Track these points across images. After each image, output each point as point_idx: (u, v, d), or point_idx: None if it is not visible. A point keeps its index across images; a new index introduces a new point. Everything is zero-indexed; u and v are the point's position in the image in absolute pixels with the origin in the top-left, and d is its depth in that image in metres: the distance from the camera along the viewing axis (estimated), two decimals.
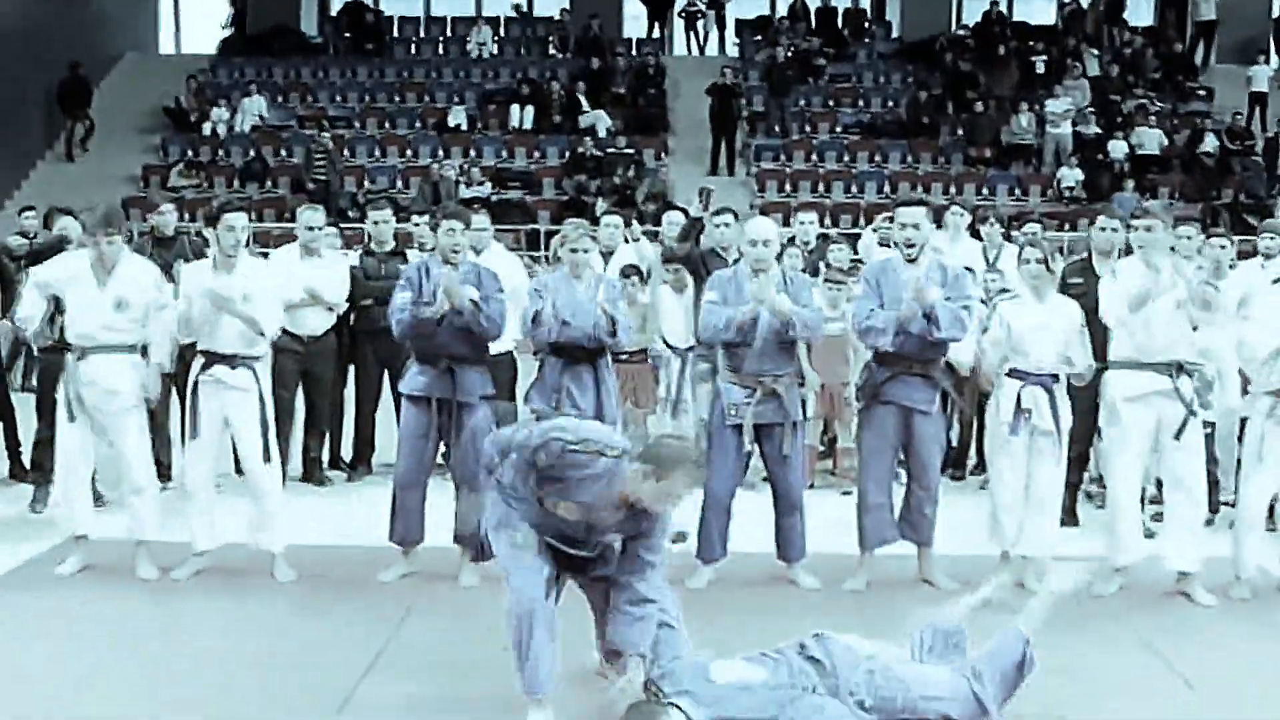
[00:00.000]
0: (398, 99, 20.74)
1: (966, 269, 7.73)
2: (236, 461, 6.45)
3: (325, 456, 8.00)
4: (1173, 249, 6.17)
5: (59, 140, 19.91)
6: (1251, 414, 5.80)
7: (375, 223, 7.96)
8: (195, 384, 5.88)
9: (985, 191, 18.01)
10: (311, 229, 7.55)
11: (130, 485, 5.95)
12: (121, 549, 5.94)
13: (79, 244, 6.52)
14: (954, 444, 8.14)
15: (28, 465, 7.45)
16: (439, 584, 5.76)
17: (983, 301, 6.88)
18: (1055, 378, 5.75)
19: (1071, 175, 18.07)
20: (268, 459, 5.92)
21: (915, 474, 5.89)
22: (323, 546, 6.24)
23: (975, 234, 8.83)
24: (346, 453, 8.15)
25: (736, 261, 6.95)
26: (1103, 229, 6.92)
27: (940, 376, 5.82)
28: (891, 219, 7.58)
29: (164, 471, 6.82)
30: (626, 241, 8.52)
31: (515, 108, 19.88)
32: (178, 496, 6.25)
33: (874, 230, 9.19)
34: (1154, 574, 5.85)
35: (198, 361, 5.91)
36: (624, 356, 7.21)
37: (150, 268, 6.10)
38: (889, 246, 8.79)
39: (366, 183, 18.36)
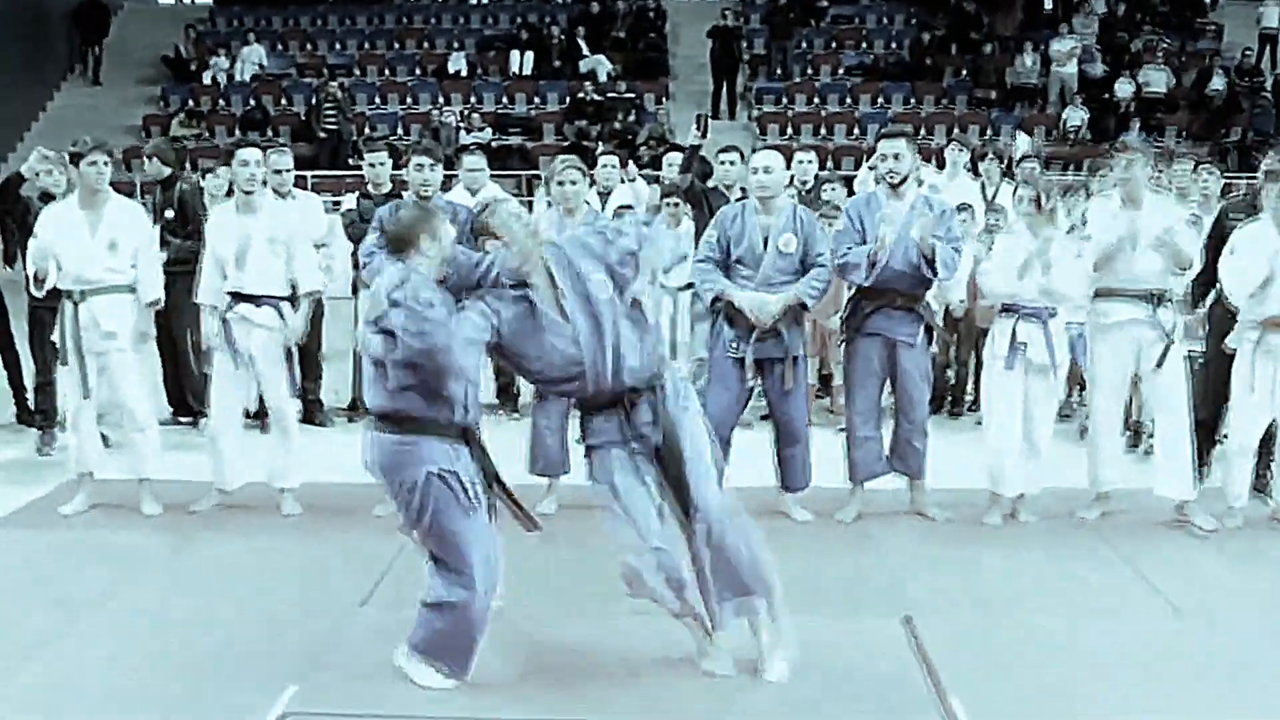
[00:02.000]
0: (397, 46, 20.63)
1: (964, 205, 7.81)
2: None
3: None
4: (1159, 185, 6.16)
5: (74, 73, 19.99)
6: (1240, 345, 5.81)
7: (371, 165, 7.92)
8: (224, 322, 5.92)
9: (989, 133, 17.89)
10: (280, 171, 7.54)
11: (132, 424, 6.01)
12: (129, 488, 6.03)
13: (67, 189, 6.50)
14: (953, 381, 8.18)
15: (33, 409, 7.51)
16: None
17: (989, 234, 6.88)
18: (1051, 311, 5.76)
19: (1077, 116, 17.95)
20: (293, 395, 5.99)
21: (902, 407, 5.91)
22: (325, 484, 6.30)
23: (976, 171, 8.82)
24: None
25: (741, 199, 6.95)
26: None
27: (924, 309, 5.83)
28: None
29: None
30: (623, 182, 8.51)
31: (515, 53, 19.76)
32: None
33: (870, 168, 9.15)
34: (1147, 503, 5.90)
35: (223, 300, 5.95)
36: None
37: (137, 207, 6.12)
38: None
39: (367, 130, 18.29)
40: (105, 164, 5.88)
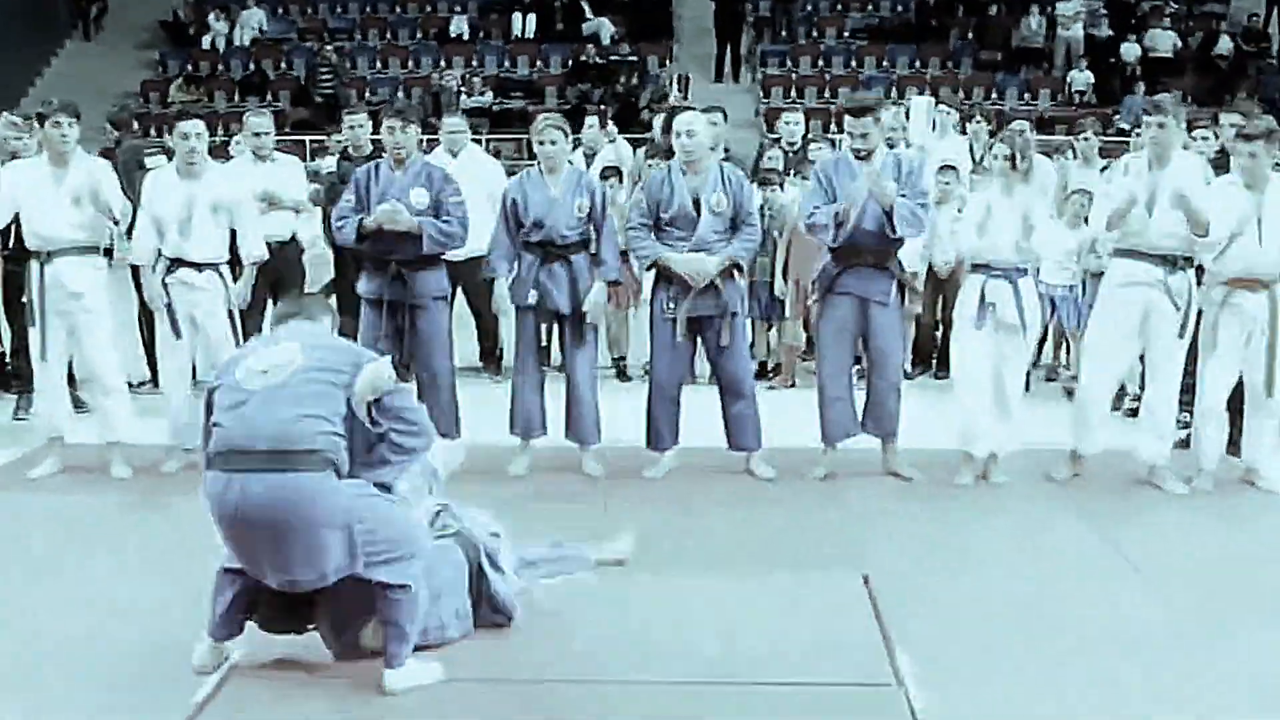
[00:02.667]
0: (398, 9, 20.49)
1: (949, 166, 7.74)
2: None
3: None
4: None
5: (73, 37, 19.99)
6: (1205, 304, 5.74)
7: (350, 127, 7.91)
8: (164, 286, 5.91)
9: (994, 95, 17.73)
10: (259, 134, 7.51)
11: (100, 387, 6.00)
12: (98, 452, 6.03)
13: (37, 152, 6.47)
14: (940, 342, 8.12)
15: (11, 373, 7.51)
16: None
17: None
18: (1021, 271, 5.69)
19: (1082, 78, 17.77)
20: None
21: (875, 366, 5.87)
22: None
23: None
24: None
25: (725, 158, 6.92)
26: None
27: (895, 267, 5.78)
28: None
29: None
30: (611, 142, 8.46)
31: (517, 16, 19.62)
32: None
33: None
34: (1121, 464, 5.87)
35: (162, 265, 5.93)
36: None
37: (103, 165, 6.09)
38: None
39: (368, 94, 18.21)
40: (70, 125, 5.83)
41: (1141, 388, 6.18)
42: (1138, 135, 8.48)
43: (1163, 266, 5.63)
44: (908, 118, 8.76)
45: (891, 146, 7.50)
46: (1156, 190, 5.58)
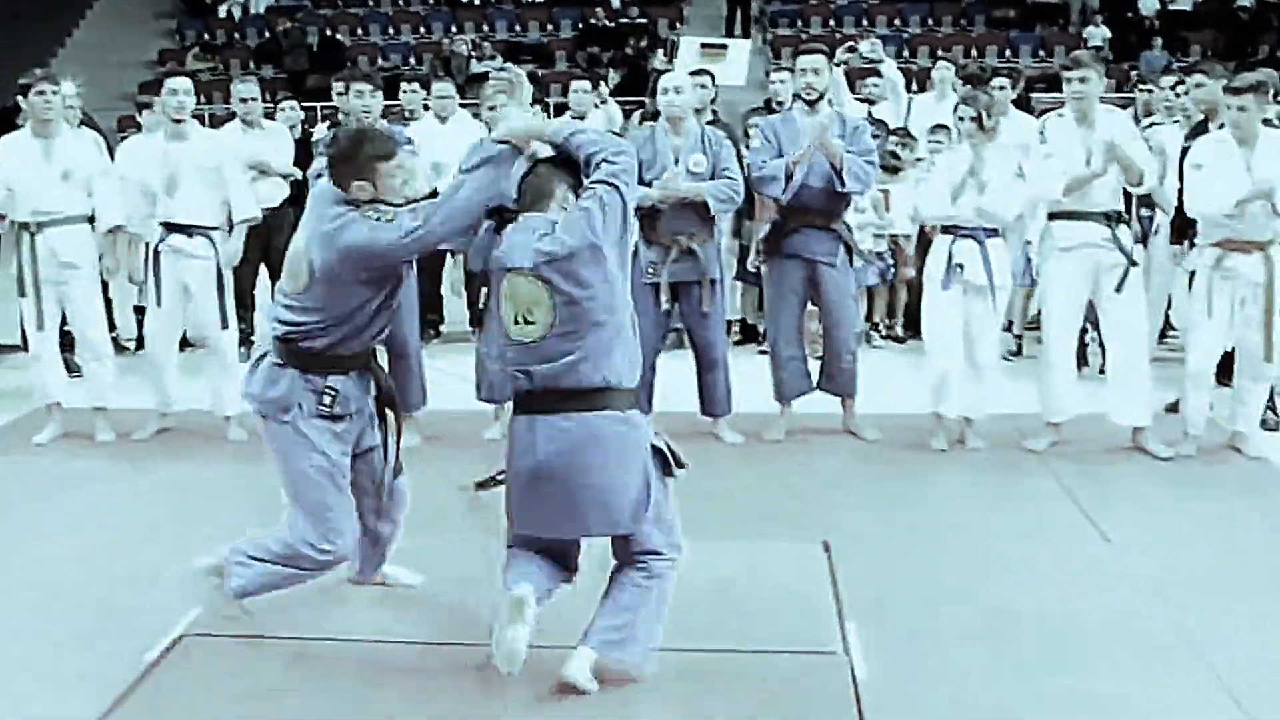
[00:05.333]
0: None
1: (940, 125, 7.68)
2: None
3: None
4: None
5: (93, 8, 20.03)
6: (1197, 268, 5.69)
7: (339, 93, 7.88)
8: (156, 253, 5.97)
9: (1009, 53, 17.52)
10: (246, 100, 7.54)
11: (91, 353, 6.11)
12: (89, 416, 6.16)
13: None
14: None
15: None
16: None
17: None
18: (989, 231, 5.65)
19: (1099, 34, 17.47)
20: (225, 325, 6.03)
21: (827, 327, 5.91)
22: None
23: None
24: None
25: (712, 122, 6.92)
26: None
27: (842, 228, 5.77)
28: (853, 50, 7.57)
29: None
30: (596, 107, 8.44)
31: None
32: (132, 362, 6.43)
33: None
34: (1098, 430, 5.83)
35: (156, 232, 5.99)
36: None
37: (90, 135, 6.16)
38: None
39: (380, 60, 18.21)
40: (53, 93, 5.90)
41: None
42: (1142, 91, 8.43)
43: (1105, 224, 5.60)
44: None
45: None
46: (1091, 147, 5.54)
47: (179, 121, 5.94)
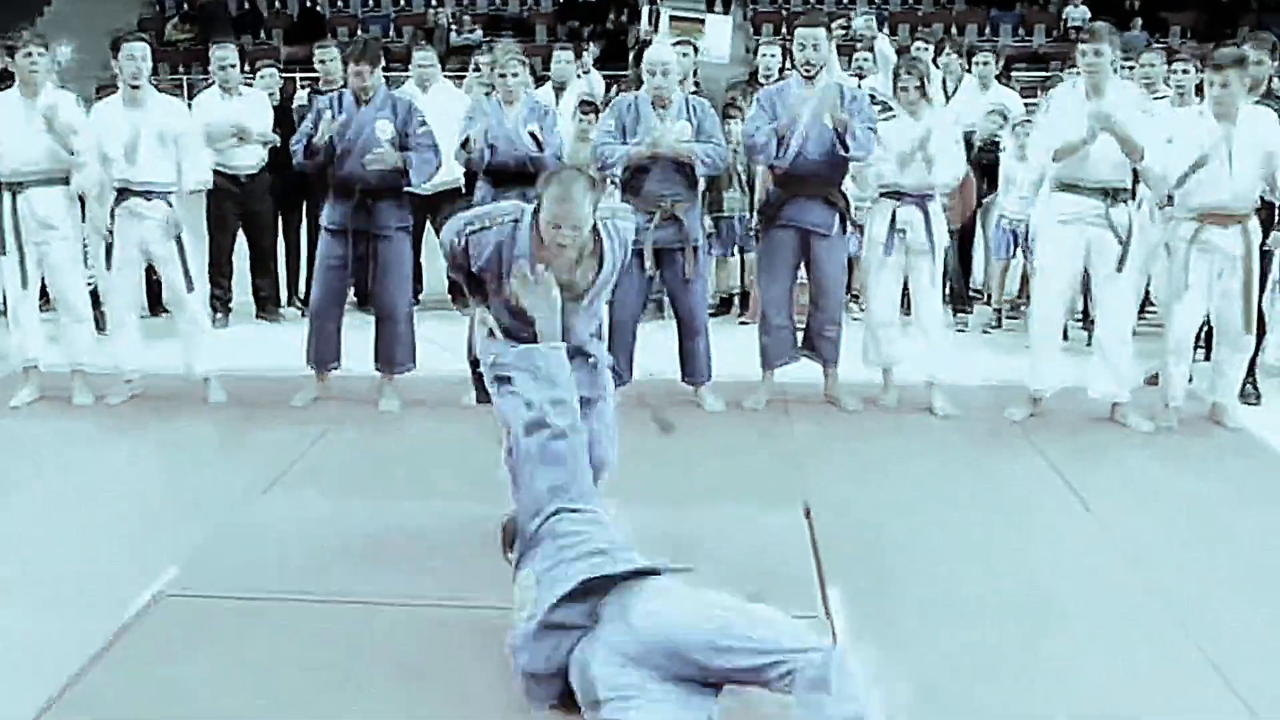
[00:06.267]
0: None
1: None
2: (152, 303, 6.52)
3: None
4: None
5: None
6: (1173, 241, 5.71)
7: (321, 61, 7.87)
8: (112, 215, 5.94)
9: (988, 31, 17.53)
10: (224, 67, 7.47)
11: (70, 315, 6.06)
12: (67, 379, 6.11)
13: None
14: None
15: None
16: (361, 408, 5.93)
17: None
18: (930, 196, 5.74)
19: (1078, 14, 17.50)
20: (190, 288, 5.99)
21: (815, 296, 5.92)
22: (254, 374, 6.36)
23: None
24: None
25: (694, 92, 6.90)
26: None
27: (838, 198, 5.78)
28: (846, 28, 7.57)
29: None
30: (579, 77, 8.41)
31: None
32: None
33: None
34: (1081, 403, 5.84)
35: (110, 195, 5.97)
36: None
37: (70, 96, 6.09)
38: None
39: (360, 31, 18.06)
40: (39, 54, 5.86)
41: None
42: (1127, 66, 8.44)
43: (1103, 199, 5.58)
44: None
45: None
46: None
47: (135, 87, 5.88)
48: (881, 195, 5.80)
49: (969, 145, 7.13)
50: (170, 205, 5.95)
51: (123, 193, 5.91)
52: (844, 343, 6.00)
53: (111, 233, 5.99)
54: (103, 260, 6.09)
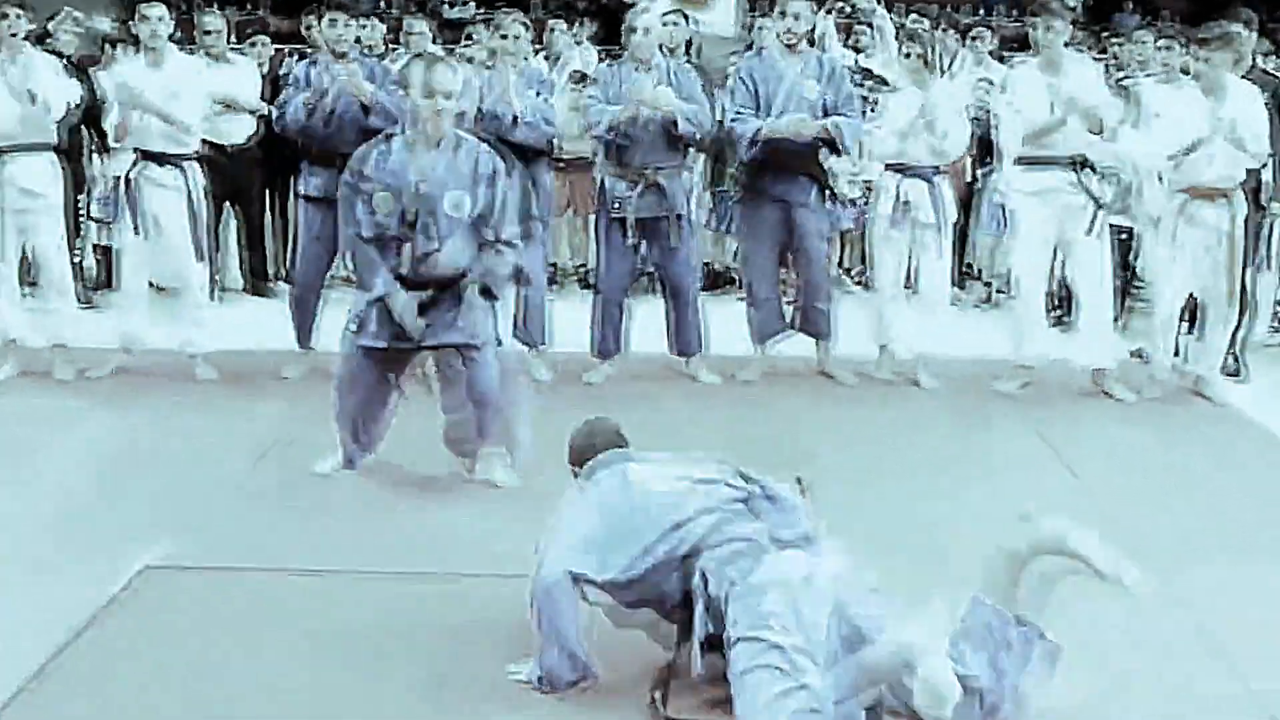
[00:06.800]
0: None
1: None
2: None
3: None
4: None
5: None
6: (1163, 214, 5.72)
7: (307, 28, 7.78)
8: (129, 181, 5.84)
9: (981, 11, 17.42)
10: (210, 33, 7.39)
11: (54, 287, 5.98)
12: (47, 355, 6.01)
13: None
14: None
15: None
16: None
17: None
18: (936, 170, 5.73)
19: None
20: (200, 258, 5.92)
21: (801, 268, 5.93)
22: (244, 351, 6.29)
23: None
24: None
25: (694, 65, 6.85)
26: None
27: (820, 171, 5.76)
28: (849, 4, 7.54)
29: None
30: (572, 47, 8.37)
31: None
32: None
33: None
34: (1069, 373, 5.88)
35: (130, 159, 5.86)
36: (561, 164, 7.15)
37: (54, 61, 6.02)
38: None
39: (350, 2, 17.88)
40: (18, 17, 5.78)
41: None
42: (1116, 46, 8.44)
43: (1070, 169, 5.62)
44: None
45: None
46: (1055, 96, 5.54)
47: (153, 49, 5.81)
48: (886, 169, 5.77)
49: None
50: (184, 172, 5.86)
51: (138, 155, 5.80)
52: (838, 318, 6.00)
53: (134, 207, 5.85)
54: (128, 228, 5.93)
